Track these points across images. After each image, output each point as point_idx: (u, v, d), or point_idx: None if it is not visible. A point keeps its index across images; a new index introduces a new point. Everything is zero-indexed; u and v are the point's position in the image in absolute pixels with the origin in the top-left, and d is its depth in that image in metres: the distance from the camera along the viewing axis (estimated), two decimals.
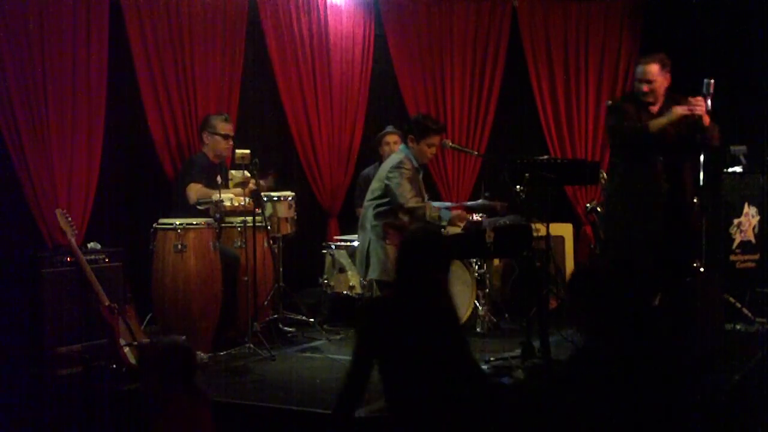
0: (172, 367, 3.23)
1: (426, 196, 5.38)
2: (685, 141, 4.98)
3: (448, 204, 6.37)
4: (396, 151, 5.41)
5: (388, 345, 3.04)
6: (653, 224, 5.00)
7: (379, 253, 4.85)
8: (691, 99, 4.89)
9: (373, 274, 4.92)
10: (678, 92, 5.10)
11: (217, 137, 5.78)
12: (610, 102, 5.40)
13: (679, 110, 4.87)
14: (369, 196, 5.01)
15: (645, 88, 5.02)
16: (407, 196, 4.73)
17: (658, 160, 5.01)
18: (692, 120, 4.89)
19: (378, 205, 4.89)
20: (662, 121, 4.93)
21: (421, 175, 5.08)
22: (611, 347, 2.82)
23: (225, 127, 5.81)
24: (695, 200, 5.23)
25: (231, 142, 5.85)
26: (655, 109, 5.09)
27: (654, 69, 5.00)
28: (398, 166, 4.83)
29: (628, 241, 5.09)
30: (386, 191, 4.83)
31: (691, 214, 5.07)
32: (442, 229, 5.21)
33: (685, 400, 3.00)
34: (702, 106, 4.85)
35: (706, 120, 4.90)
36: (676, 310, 4.86)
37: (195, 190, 5.56)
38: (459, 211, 4.96)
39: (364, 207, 5.09)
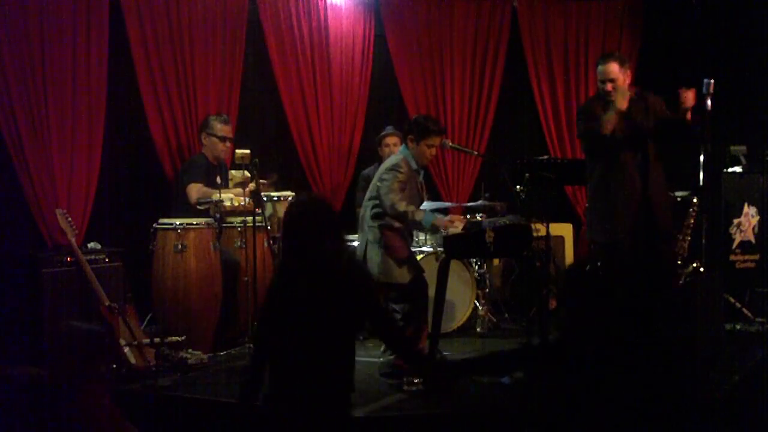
0: (82, 354, 3.24)
1: (426, 197, 5.37)
2: (636, 133, 4.99)
3: (447, 204, 6.37)
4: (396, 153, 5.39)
5: (279, 319, 3.07)
6: (628, 222, 4.98)
7: (376, 254, 4.84)
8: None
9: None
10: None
11: (215, 139, 5.77)
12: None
13: (618, 104, 4.93)
14: (367, 196, 5.00)
15: (608, 87, 5.07)
16: (395, 199, 4.71)
17: (629, 157, 5.01)
18: (641, 111, 4.95)
19: (375, 206, 4.88)
20: (609, 115, 4.94)
21: (421, 176, 5.06)
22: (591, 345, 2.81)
23: (223, 128, 5.80)
24: (666, 196, 5.23)
25: (228, 144, 5.85)
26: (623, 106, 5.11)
27: (614, 68, 5.07)
28: (393, 169, 4.81)
29: (609, 241, 5.07)
30: (378, 193, 4.82)
31: (662, 210, 5.04)
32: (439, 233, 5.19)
33: (685, 400, 2.99)
34: (625, 96, 4.93)
35: (623, 105, 4.95)
36: (670, 310, 4.86)
37: (195, 190, 5.56)
38: (443, 217, 4.88)
39: (362, 208, 5.08)
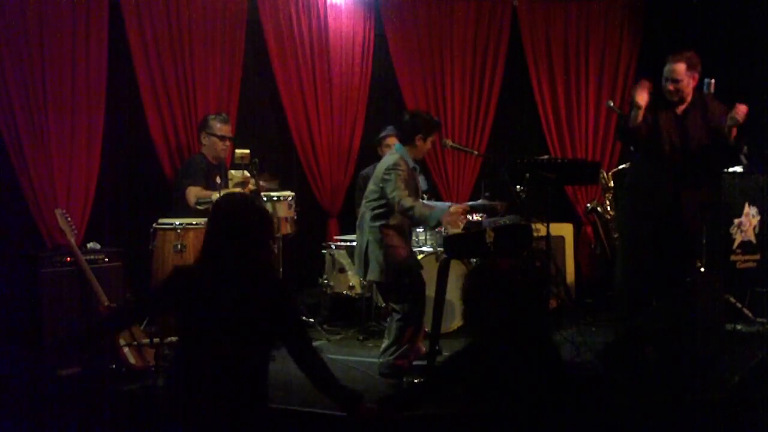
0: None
1: (425, 197, 5.37)
2: (681, 143, 4.99)
3: (447, 204, 6.35)
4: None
5: (187, 315, 3.00)
6: (653, 221, 5.03)
7: (377, 255, 4.84)
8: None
9: (371, 275, 4.91)
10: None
11: (214, 138, 5.77)
12: (611, 102, 5.39)
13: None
14: (366, 197, 5.00)
15: (670, 87, 4.98)
16: (402, 196, 4.71)
17: (667, 158, 5.01)
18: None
19: (375, 207, 4.88)
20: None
21: (418, 172, 5.06)
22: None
23: (222, 128, 5.80)
24: (699, 202, 5.21)
25: (228, 144, 5.85)
26: (681, 108, 5.07)
27: (680, 68, 4.95)
28: (394, 168, 4.81)
29: (634, 236, 5.13)
30: (382, 193, 4.82)
31: (689, 215, 5.06)
32: (441, 229, 5.18)
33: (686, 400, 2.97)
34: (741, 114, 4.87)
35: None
36: (677, 310, 4.86)
37: (194, 193, 5.55)
38: (455, 212, 4.89)
39: (361, 208, 5.08)
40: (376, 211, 4.88)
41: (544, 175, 5.16)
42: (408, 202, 4.72)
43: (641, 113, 4.91)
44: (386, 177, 4.81)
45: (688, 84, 4.98)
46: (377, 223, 4.86)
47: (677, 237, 5.02)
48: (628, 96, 7.05)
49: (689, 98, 5.04)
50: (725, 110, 5.03)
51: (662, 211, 5.02)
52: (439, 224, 4.85)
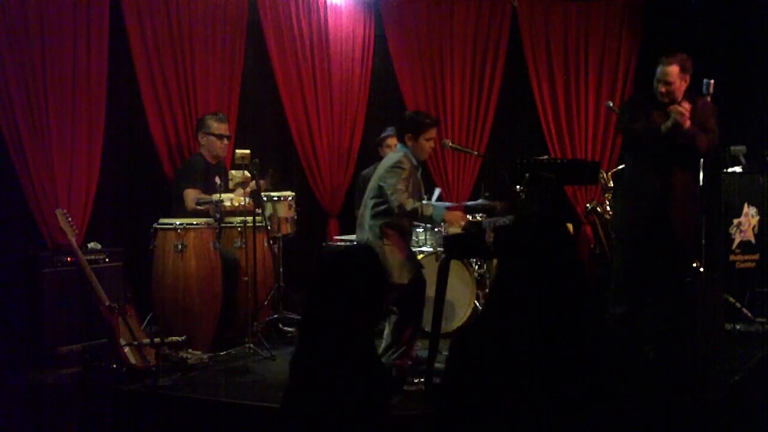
0: None
1: (425, 197, 5.36)
2: (668, 143, 5.00)
3: (447, 204, 6.35)
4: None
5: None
6: (646, 221, 5.05)
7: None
8: (679, 108, 4.91)
9: None
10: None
11: (212, 137, 5.77)
12: (610, 103, 5.40)
13: (678, 118, 4.89)
14: (367, 195, 4.99)
15: (662, 88, 4.99)
16: (402, 198, 4.71)
17: (658, 156, 5.04)
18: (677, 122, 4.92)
19: (375, 205, 4.87)
20: (668, 124, 4.94)
21: (419, 172, 5.06)
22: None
23: (220, 127, 5.80)
24: (690, 203, 5.19)
25: (227, 142, 5.85)
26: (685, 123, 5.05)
27: (673, 71, 4.96)
28: (396, 166, 4.79)
29: (630, 238, 5.15)
30: (382, 192, 4.81)
31: (682, 213, 5.06)
32: (441, 228, 5.18)
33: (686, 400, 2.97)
34: (685, 110, 4.87)
35: (686, 123, 4.91)
36: (673, 310, 4.87)
37: (191, 196, 5.55)
38: (456, 213, 4.92)
39: (361, 206, 5.07)
40: (377, 209, 4.87)
41: (544, 175, 5.16)
42: (410, 204, 4.71)
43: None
44: (386, 177, 4.80)
45: (680, 86, 4.99)
46: (377, 222, 4.85)
47: (669, 237, 5.03)
48: (627, 97, 7.09)
49: (680, 99, 5.06)
50: (711, 110, 5.07)
51: (654, 212, 5.03)
52: (443, 221, 4.86)
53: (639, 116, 5.06)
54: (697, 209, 5.20)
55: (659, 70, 5.01)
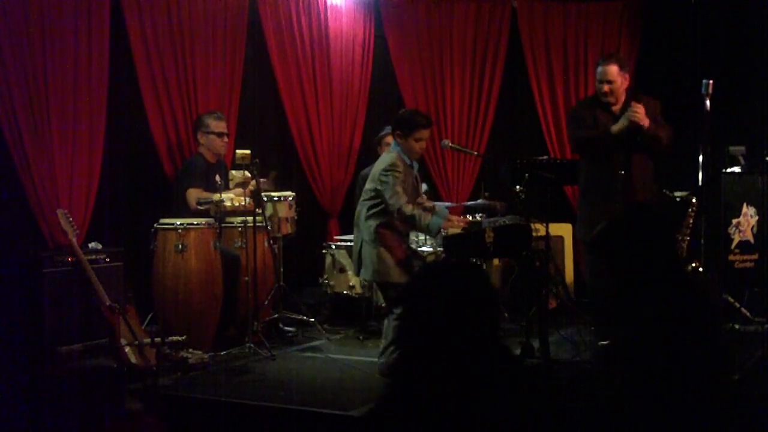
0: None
1: (425, 197, 5.37)
2: (624, 140, 5.12)
3: (447, 204, 6.37)
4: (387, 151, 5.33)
5: None
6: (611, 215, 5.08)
7: (371, 253, 4.83)
8: (635, 113, 5.01)
9: (365, 274, 4.90)
10: (662, 94, 5.23)
11: (212, 136, 5.78)
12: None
13: (631, 117, 5.01)
14: (362, 196, 4.99)
15: (605, 88, 5.19)
16: (400, 202, 4.70)
17: (614, 158, 5.16)
18: (635, 124, 5.04)
19: (371, 206, 4.87)
20: (621, 125, 5.08)
21: (416, 170, 5.05)
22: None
23: (218, 125, 5.81)
24: (654, 196, 5.37)
25: (226, 140, 5.86)
26: (616, 108, 5.25)
27: (613, 70, 5.17)
28: (391, 169, 4.77)
29: (591, 240, 5.14)
30: (378, 193, 4.81)
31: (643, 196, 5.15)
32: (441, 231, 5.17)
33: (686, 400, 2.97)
34: (640, 112, 5.00)
35: (645, 123, 5.03)
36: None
37: (194, 196, 5.56)
38: (453, 222, 4.93)
39: (358, 206, 5.07)
40: (372, 210, 4.87)
41: (544, 175, 5.18)
42: (408, 210, 4.70)
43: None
44: (383, 179, 4.78)
45: (621, 84, 5.21)
46: (372, 223, 4.85)
47: None
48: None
49: (623, 98, 5.24)
50: (656, 106, 5.21)
51: (618, 204, 5.04)
52: (440, 231, 4.85)
53: (585, 120, 5.24)
54: (654, 187, 5.39)
55: (599, 70, 5.26)
